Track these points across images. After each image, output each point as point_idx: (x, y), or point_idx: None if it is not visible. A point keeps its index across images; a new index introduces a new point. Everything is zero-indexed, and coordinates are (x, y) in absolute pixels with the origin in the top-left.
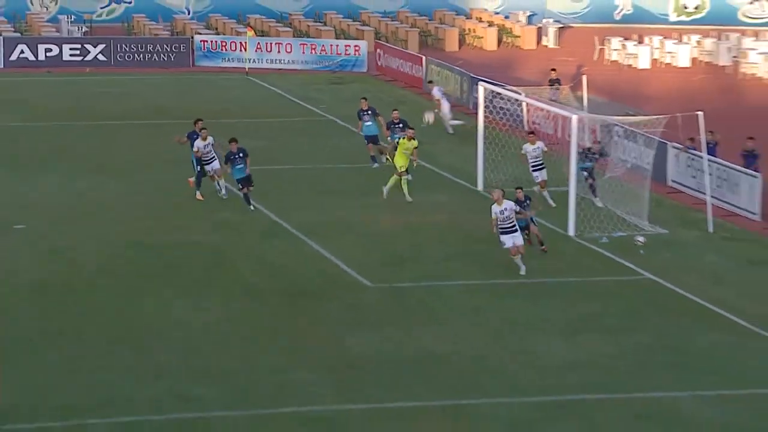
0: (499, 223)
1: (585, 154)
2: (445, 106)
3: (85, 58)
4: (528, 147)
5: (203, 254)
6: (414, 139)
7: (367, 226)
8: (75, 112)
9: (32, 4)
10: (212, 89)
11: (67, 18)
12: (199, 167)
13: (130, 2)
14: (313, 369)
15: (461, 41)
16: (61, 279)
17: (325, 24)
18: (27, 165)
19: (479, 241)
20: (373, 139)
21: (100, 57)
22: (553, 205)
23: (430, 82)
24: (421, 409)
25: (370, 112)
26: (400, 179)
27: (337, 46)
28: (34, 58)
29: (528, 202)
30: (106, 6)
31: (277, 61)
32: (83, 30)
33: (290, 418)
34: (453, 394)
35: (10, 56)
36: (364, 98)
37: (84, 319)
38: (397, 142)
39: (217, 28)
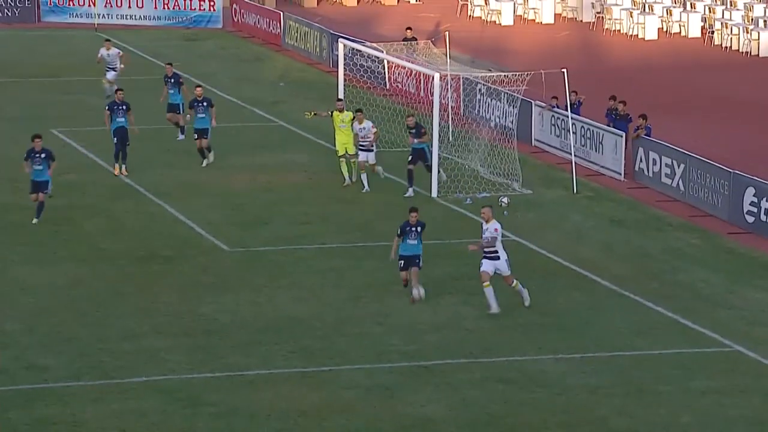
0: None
1: (411, 132)
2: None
3: None
4: (356, 126)
5: (49, 216)
6: (344, 110)
7: (221, 187)
8: None
9: None
10: (59, 46)
11: None
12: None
13: None
14: (167, 335)
15: None
16: None
17: None
18: None
19: (336, 202)
20: (173, 108)
21: None
22: (367, 189)
23: (108, 40)
24: (280, 376)
25: (172, 80)
26: (347, 162)
27: (191, 1)
28: None
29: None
30: None
31: (128, 17)
32: None
33: (143, 387)
34: (313, 361)
35: None
36: (170, 63)
37: None
38: (330, 114)
39: None
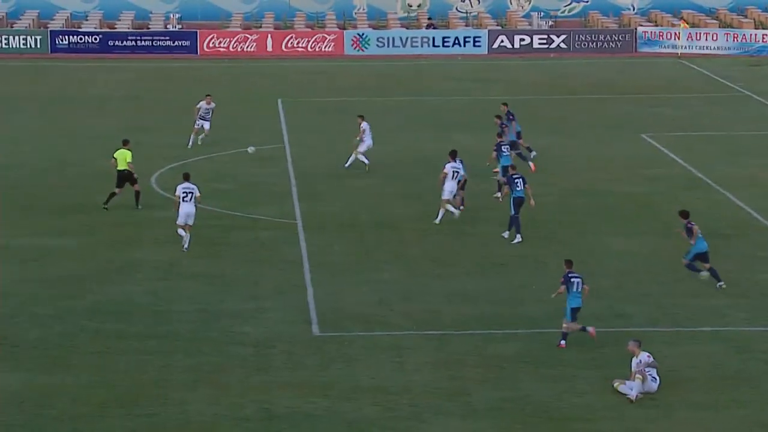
0: None
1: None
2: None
3: (550, 46)
4: (448, 166)
5: (633, 201)
6: None
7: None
8: (543, 87)
9: (511, 3)
10: (648, 70)
11: (538, 14)
12: None
13: (588, 1)
14: (729, 295)
15: None
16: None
17: (746, 17)
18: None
19: None
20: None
21: (562, 45)
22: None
23: (360, 116)
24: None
25: (509, 116)
26: None
27: (756, 34)
28: (510, 47)
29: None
30: (568, 4)
31: (705, 48)
32: (549, 23)
33: (707, 336)
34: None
35: (492, 45)
36: (505, 103)
37: (541, 247)
38: None
39: (656, 21)
